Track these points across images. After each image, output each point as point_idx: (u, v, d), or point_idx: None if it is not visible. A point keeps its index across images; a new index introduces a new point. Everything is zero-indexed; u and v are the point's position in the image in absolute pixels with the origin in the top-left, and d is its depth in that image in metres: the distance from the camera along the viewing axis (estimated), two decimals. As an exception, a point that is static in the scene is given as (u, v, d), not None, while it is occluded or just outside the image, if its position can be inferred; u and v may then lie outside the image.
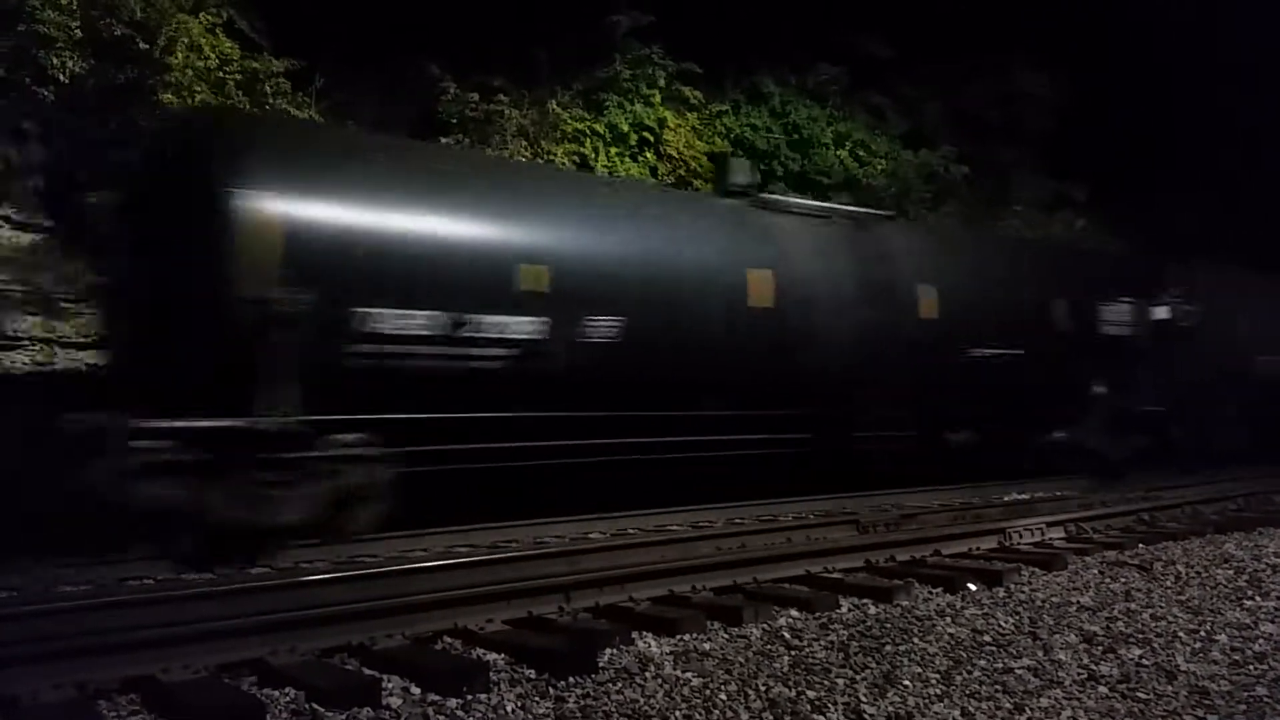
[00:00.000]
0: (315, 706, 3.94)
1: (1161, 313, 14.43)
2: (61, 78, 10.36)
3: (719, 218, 10.74)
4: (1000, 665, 4.62)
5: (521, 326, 8.35)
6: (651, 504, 9.70)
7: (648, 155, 15.59)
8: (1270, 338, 16.28)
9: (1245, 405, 15.53)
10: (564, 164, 14.47)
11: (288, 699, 4.04)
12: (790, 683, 4.29)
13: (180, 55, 11.32)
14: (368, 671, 4.42)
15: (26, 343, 9.89)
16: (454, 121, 14.06)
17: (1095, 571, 7.01)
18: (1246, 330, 15.87)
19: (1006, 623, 5.44)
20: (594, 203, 9.68)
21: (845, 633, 5.19)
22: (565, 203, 9.36)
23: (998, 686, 4.30)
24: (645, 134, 15.61)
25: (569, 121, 14.93)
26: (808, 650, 4.84)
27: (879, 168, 18.63)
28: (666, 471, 9.56)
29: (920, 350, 11.39)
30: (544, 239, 8.76)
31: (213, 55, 11.70)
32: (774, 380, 10.35)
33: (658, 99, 15.94)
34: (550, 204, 9.18)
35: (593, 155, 14.93)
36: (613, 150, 15.19)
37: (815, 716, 3.91)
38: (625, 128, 15.34)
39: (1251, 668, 4.67)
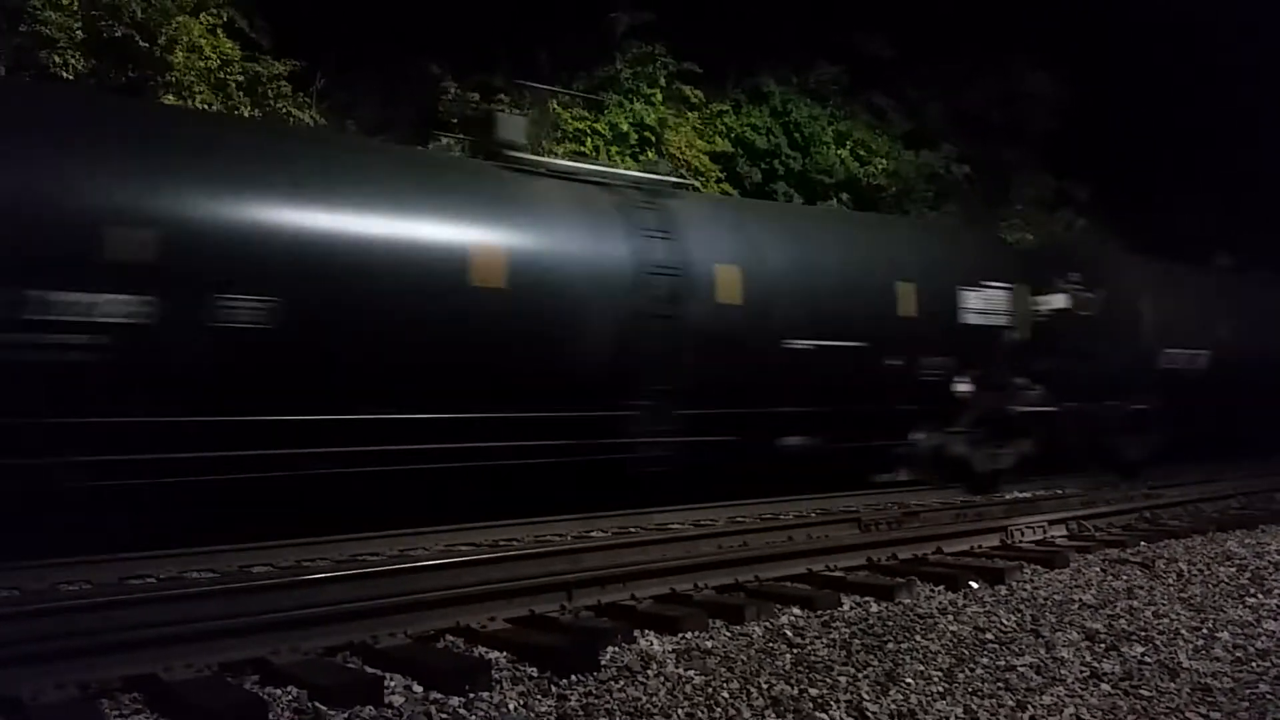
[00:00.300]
0: (318, 705, 3.94)
1: (1058, 301, 13.00)
2: (65, 75, 10.41)
3: (439, 180, 8.89)
4: (1003, 663, 4.62)
5: (115, 307, 6.66)
6: (342, 530, 7.70)
7: (649, 154, 15.60)
8: (1178, 328, 14.67)
9: (1151, 403, 13.89)
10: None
11: (290, 698, 4.04)
12: (792, 681, 4.29)
13: (180, 56, 11.36)
14: (370, 670, 4.41)
15: None
16: (455, 121, 14.08)
17: (1097, 569, 7.00)
18: (1152, 320, 14.33)
19: (1009, 620, 5.44)
20: (232, 152, 7.63)
21: (847, 631, 5.19)
22: (187, 150, 7.36)
23: (1000, 684, 4.29)
24: (646, 133, 15.63)
25: (570, 121, 14.96)
26: (810, 648, 4.84)
27: (880, 167, 18.64)
28: (361, 487, 7.82)
29: (721, 341, 9.74)
30: (149, 196, 6.94)
31: (214, 56, 11.74)
32: (513, 376, 8.67)
33: (658, 98, 15.96)
34: (162, 151, 7.24)
35: (594, 154, 14.94)
36: (613, 149, 15.20)
37: (818, 714, 3.90)
38: (625, 127, 15.36)
39: (1254, 665, 4.67)
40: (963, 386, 11.80)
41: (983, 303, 12.03)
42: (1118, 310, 13.64)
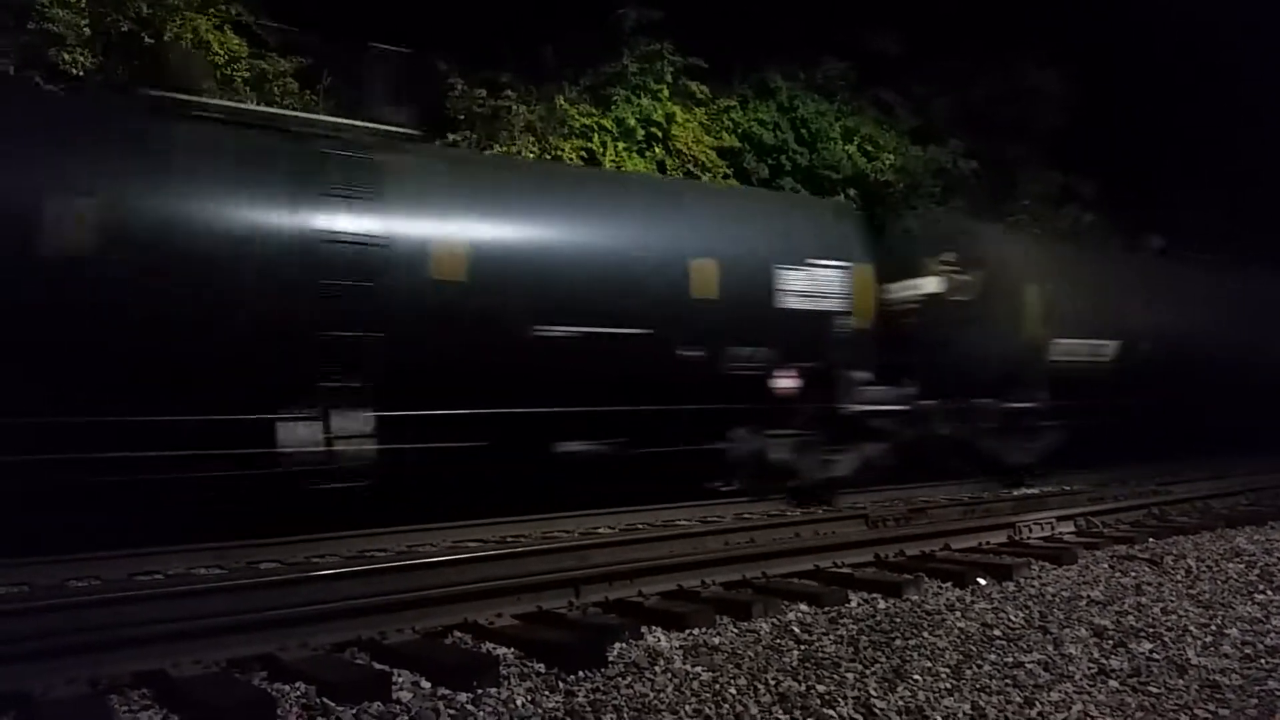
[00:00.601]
0: (326, 701, 3.95)
1: (927, 284, 11.51)
2: (74, 71, 10.45)
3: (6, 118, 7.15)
4: (1010, 659, 4.61)
5: None
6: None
7: (655, 150, 15.58)
8: (1077, 316, 13.00)
9: (1037, 400, 12.35)
10: (572, 159, 14.40)
11: (298, 694, 4.05)
12: (800, 677, 4.29)
13: (186, 52, 11.38)
14: (378, 666, 4.43)
15: None
16: (461, 118, 14.08)
17: (1105, 566, 6.99)
18: (1041, 306, 12.56)
19: (1016, 617, 5.43)
20: None
21: (855, 627, 5.19)
22: None
23: (1008, 680, 4.29)
24: (653, 129, 15.60)
25: (576, 117, 14.93)
26: (817, 645, 4.84)
27: (887, 163, 18.59)
28: None
29: (439, 327, 8.25)
30: None
31: (221, 52, 11.76)
32: (99, 368, 6.99)
33: (665, 94, 15.94)
34: None
35: (600, 150, 14.92)
36: (620, 145, 15.18)
37: (825, 711, 3.90)
38: (632, 123, 15.34)
39: (1263, 661, 4.65)
40: (784, 382, 10.09)
41: (808, 284, 10.30)
42: (999, 295, 12.04)
